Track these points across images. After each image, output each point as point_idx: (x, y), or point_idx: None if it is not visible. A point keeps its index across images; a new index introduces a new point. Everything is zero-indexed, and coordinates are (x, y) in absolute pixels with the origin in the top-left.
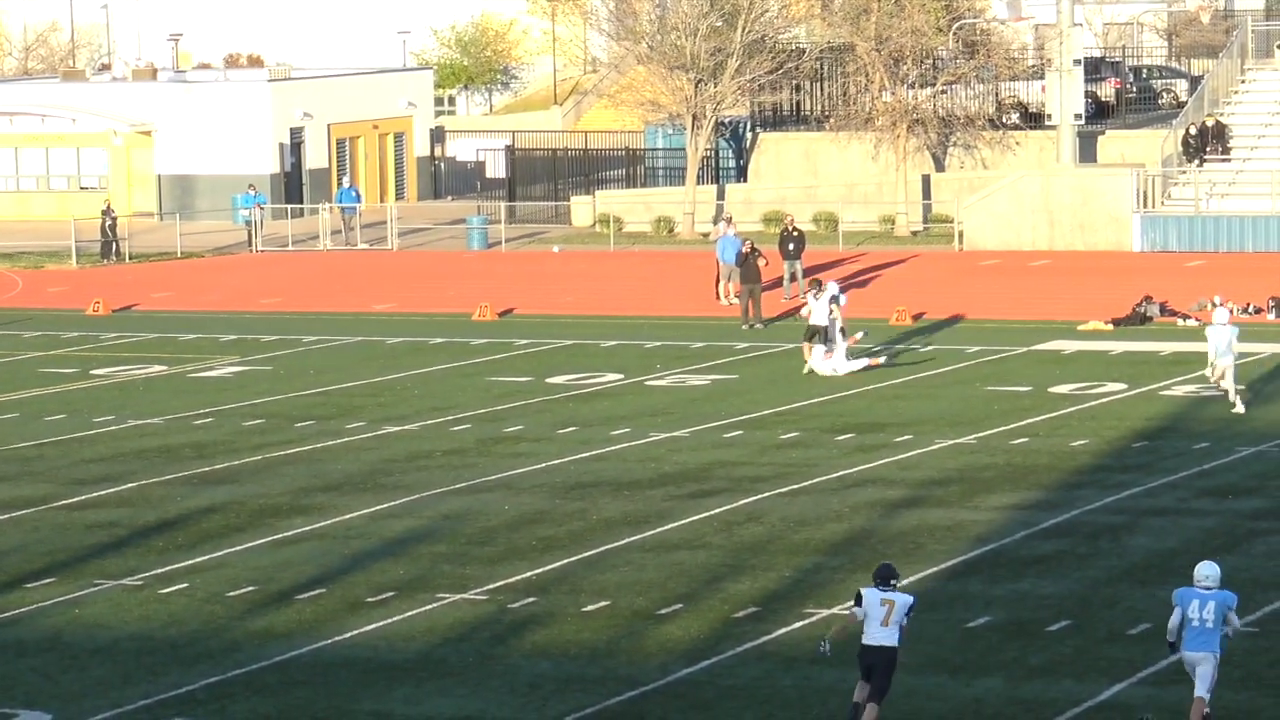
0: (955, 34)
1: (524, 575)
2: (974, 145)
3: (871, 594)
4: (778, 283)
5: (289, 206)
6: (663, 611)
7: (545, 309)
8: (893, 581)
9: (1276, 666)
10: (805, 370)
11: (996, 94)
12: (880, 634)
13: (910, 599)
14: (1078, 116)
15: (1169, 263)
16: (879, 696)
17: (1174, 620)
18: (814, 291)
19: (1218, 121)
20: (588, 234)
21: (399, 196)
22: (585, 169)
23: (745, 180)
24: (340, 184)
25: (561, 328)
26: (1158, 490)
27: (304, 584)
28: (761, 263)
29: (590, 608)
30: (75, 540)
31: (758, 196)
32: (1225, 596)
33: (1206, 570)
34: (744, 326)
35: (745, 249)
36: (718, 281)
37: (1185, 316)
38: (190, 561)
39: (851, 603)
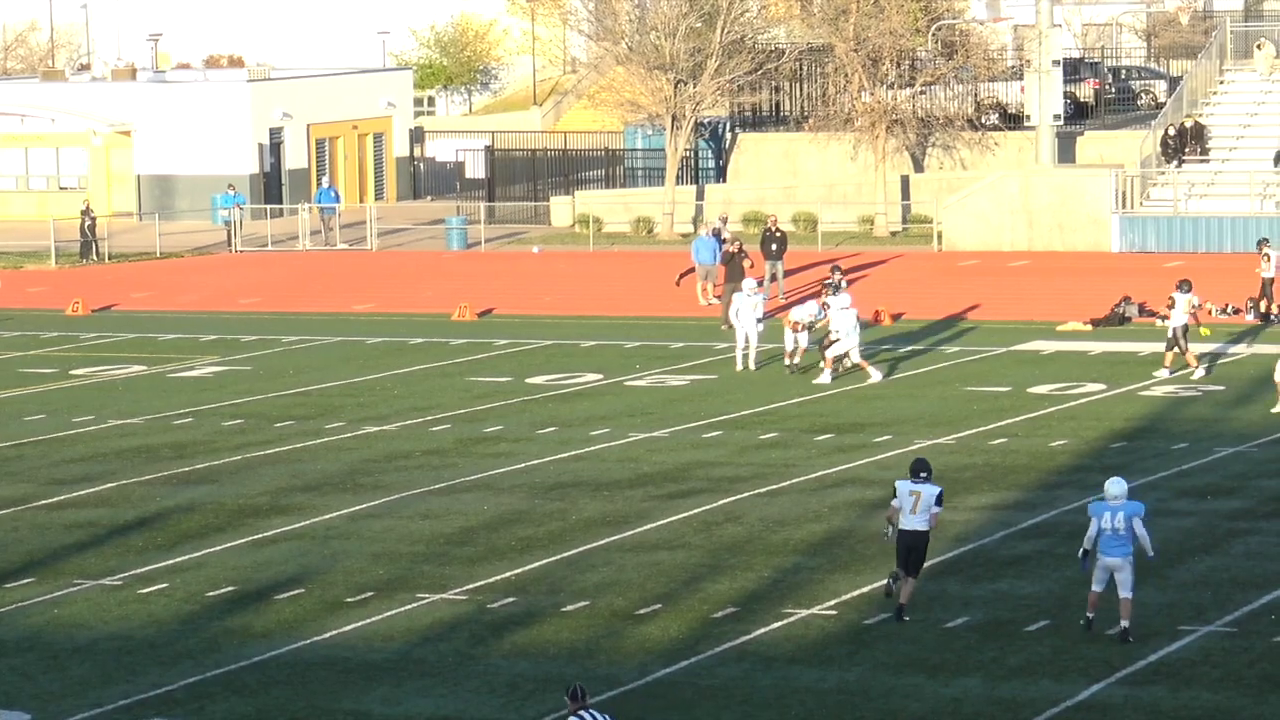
0: (934, 35)
1: (503, 575)
2: (953, 146)
3: (902, 485)
4: (759, 283)
5: (268, 207)
6: (642, 612)
7: (525, 309)
8: (923, 475)
9: (1255, 666)
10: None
11: (975, 94)
12: (911, 520)
13: (937, 489)
14: (1056, 117)
15: (1148, 263)
16: (915, 572)
17: (1091, 530)
18: (833, 282)
19: (1196, 122)
20: (567, 234)
21: (378, 197)
22: (565, 169)
23: (725, 181)
24: (319, 184)
25: (541, 328)
26: (1136, 491)
27: (283, 584)
28: (746, 264)
29: (569, 608)
30: (54, 540)
31: (737, 197)
32: (1134, 506)
33: (1116, 490)
34: (724, 327)
35: (733, 248)
36: (685, 274)
37: (1164, 317)
38: (170, 561)
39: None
